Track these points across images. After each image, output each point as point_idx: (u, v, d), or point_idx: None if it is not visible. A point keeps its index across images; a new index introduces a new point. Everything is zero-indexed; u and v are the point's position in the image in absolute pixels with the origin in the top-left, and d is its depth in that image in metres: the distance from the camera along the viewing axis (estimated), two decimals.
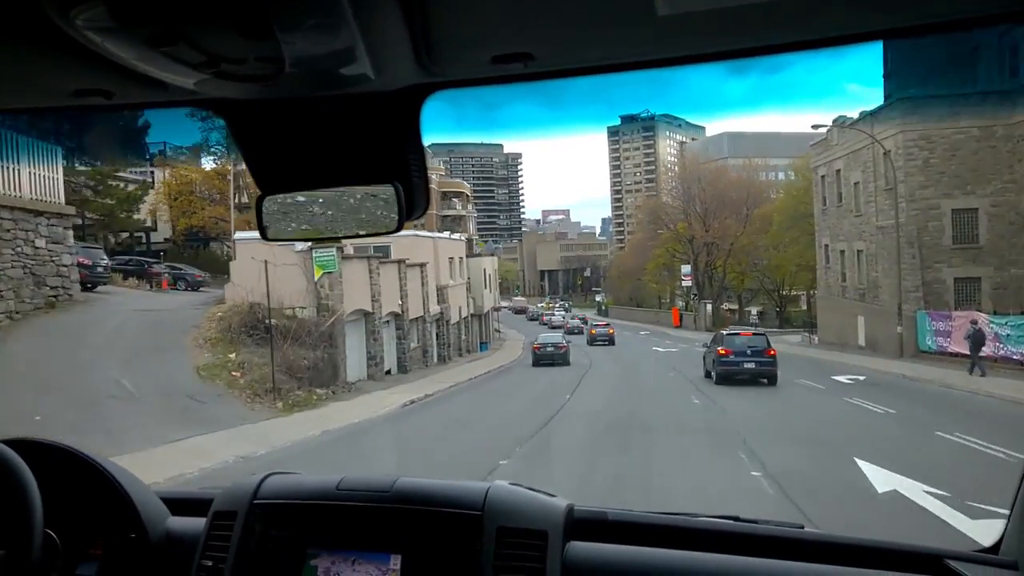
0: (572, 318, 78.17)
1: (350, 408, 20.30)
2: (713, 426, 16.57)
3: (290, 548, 1.79)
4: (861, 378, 27.26)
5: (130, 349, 18.90)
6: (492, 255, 61.07)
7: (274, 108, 1.26)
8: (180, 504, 2.08)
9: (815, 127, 38.10)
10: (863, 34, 1.09)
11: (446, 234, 46.89)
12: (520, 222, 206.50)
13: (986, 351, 27.51)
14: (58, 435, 2.09)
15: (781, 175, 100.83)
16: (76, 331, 19.15)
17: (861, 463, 11.42)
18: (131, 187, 40.77)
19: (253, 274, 24.83)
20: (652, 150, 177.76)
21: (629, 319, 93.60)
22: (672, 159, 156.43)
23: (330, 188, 1.34)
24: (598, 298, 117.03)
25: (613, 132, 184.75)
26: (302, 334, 23.20)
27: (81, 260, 24.16)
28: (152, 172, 45.89)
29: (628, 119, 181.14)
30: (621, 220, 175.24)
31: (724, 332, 28.88)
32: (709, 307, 74.06)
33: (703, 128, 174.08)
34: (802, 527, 1.97)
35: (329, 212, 1.33)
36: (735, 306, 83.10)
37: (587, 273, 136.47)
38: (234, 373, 19.59)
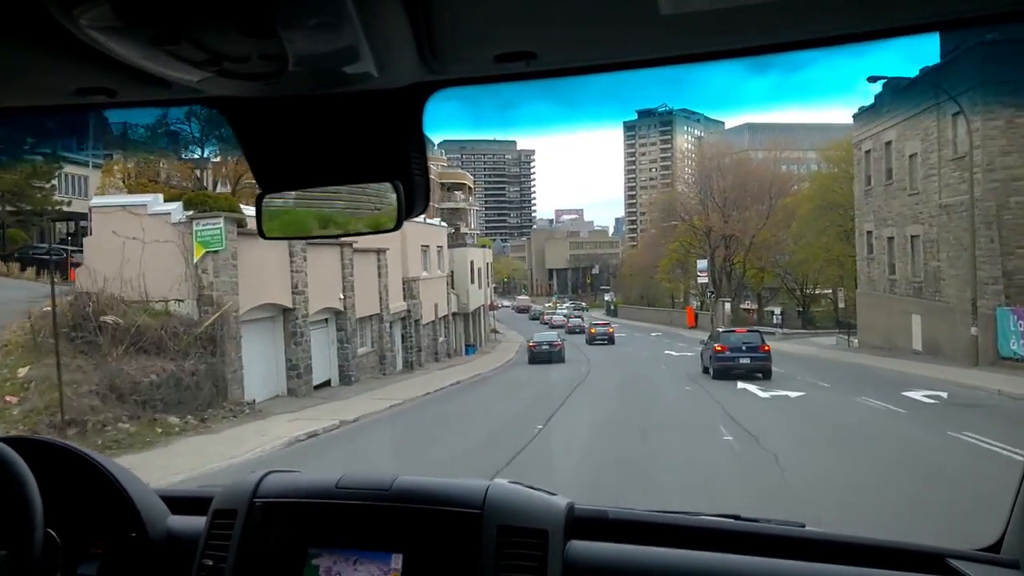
0: (573, 317, 74.95)
1: (204, 448, 13.18)
2: (774, 499, 9.22)
3: (291, 547, 1.76)
4: (943, 395, 20.15)
5: None
6: (484, 246, 53.67)
7: (276, 106, 1.23)
8: (180, 503, 2.05)
9: (871, 79, 30.43)
10: (867, 32, 1.07)
11: (420, 218, 39.50)
12: (531, 220, 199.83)
13: None
14: None
15: (805, 169, 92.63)
16: None
17: None
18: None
19: (115, 254, 17.75)
20: (669, 145, 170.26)
21: (640, 319, 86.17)
22: (690, 151, 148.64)
23: (331, 186, 1.31)
24: (607, 297, 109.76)
25: (629, 127, 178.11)
26: (162, 337, 15.99)
27: None
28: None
29: (645, 114, 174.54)
30: (635, 218, 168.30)
31: (720, 330, 29.36)
32: (727, 306, 66.45)
33: (722, 123, 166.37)
34: (803, 526, 1.93)
35: (329, 210, 1.30)
36: (753, 305, 75.26)
37: (595, 271, 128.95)
38: (8, 398, 12.44)
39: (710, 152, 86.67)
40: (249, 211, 17.78)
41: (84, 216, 33.22)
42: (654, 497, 8.82)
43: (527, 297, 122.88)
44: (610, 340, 49.74)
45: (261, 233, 1.36)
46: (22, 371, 13.30)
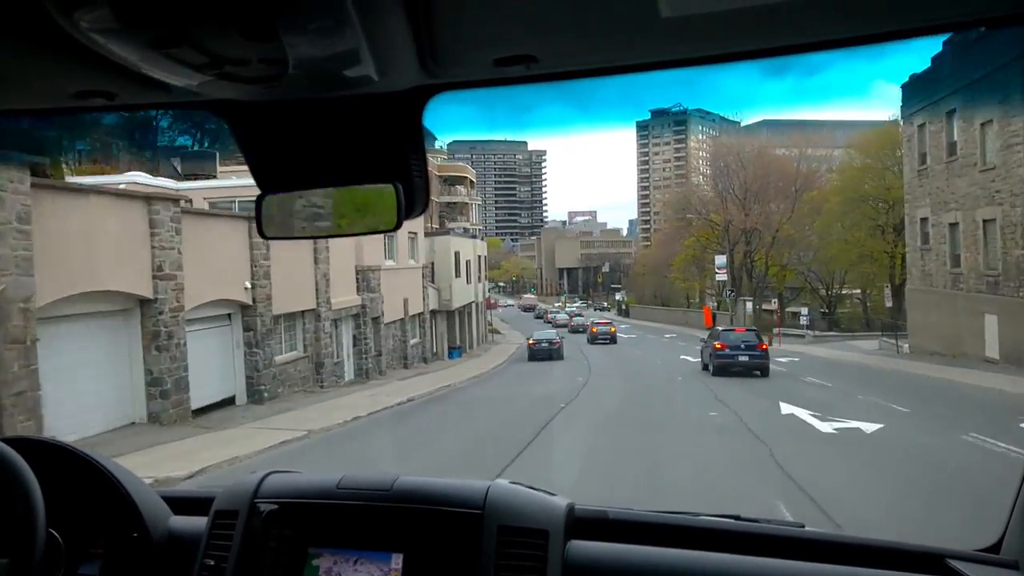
0: (576, 316, 71.98)
1: None
2: None
3: (292, 547, 1.75)
4: None
5: None
6: (474, 236, 47.04)
7: (276, 109, 1.23)
8: (182, 503, 2.02)
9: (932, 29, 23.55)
10: (869, 36, 1.06)
11: None
12: (543, 220, 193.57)
13: None
14: None
15: (827, 167, 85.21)
16: None
17: None
18: None
19: None
20: (683, 145, 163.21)
21: (653, 319, 79.20)
22: (704, 142, 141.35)
23: (331, 187, 1.30)
24: (617, 296, 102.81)
25: (642, 127, 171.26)
26: None
27: None
28: None
29: (659, 113, 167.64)
30: (648, 218, 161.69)
31: (720, 328, 29.34)
32: (748, 305, 59.45)
33: (738, 122, 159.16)
34: (803, 526, 1.91)
35: (329, 211, 1.29)
36: (773, 306, 68.15)
37: (605, 268, 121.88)
38: None
39: (728, 142, 79.60)
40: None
41: None
42: None
43: (533, 296, 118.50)
44: (612, 339, 47.35)
45: (261, 233, 1.33)
46: None
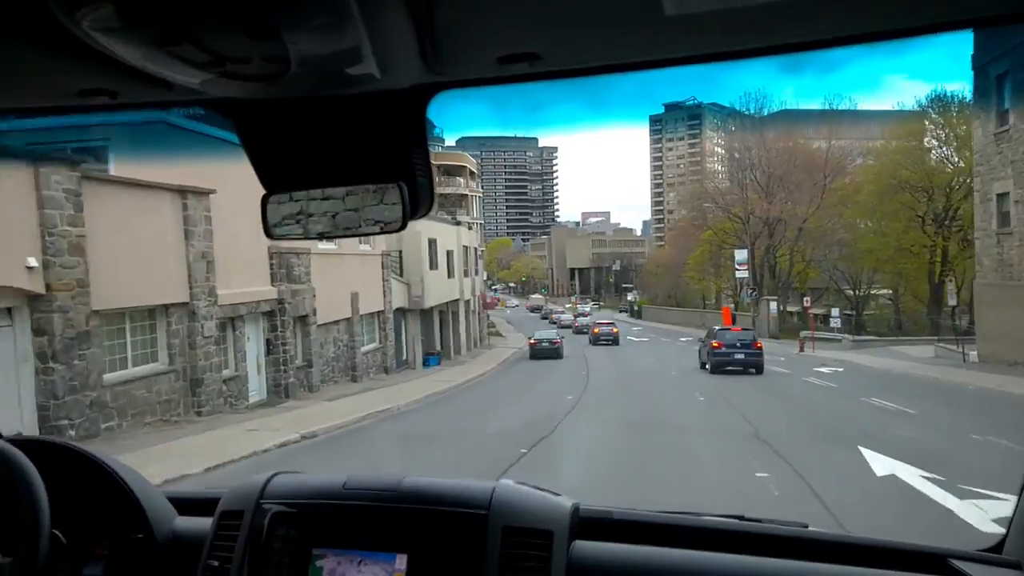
0: (580, 316, 69.88)
1: None
2: None
3: (296, 548, 1.72)
4: None
5: None
6: (460, 223, 40.37)
7: (279, 107, 1.21)
8: (187, 504, 1.98)
9: None
10: (875, 33, 1.04)
11: None
12: (554, 219, 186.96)
13: None
14: None
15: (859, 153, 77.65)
16: None
17: None
18: None
19: None
20: (697, 140, 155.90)
21: (667, 321, 72.04)
22: (720, 141, 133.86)
23: (335, 187, 1.27)
24: (629, 297, 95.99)
25: (655, 121, 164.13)
26: None
27: None
28: None
29: (672, 107, 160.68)
30: (661, 216, 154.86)
31: (716, 328, 29.14)
32: (772, 306, 52.40)
33: (755, 117, 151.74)
34: (806, 526, 1.86)
35: (334, 210, 1.27)
36: (796, 307, 60.87)
37: (615, 267, 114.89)
38: None
39: (748, 130, 72.31)
40: None
41: None
42: None
43: (541, 297, 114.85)
44: (615, 341, 45.63)
45: (267, 233, 1.30)
46: None
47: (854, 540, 1.78)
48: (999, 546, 1.78)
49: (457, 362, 35.55)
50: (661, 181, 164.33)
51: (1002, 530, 1.80)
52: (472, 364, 33.73)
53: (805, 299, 45.07)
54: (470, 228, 45.55)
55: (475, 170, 75.31)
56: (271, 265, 19.23)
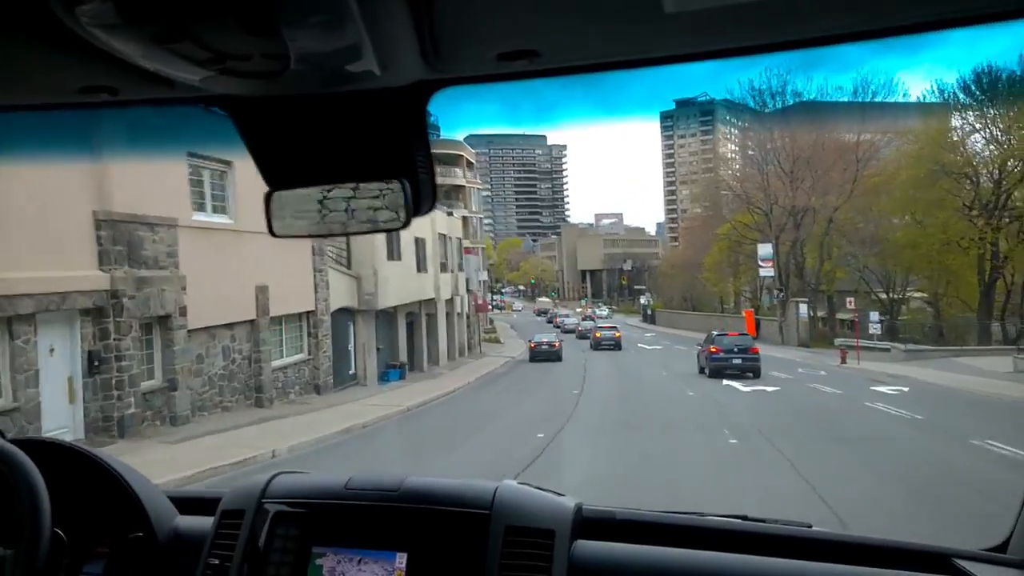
0: (584, 320, 66.43)
1: None
2: None
3: (297, 547, 1.71)
4: None
5: None
6: (447, 211, 34.28)
7: (280, 104, 1.20)
8: (188, 503, 1.97)
9: None
10: (878, 30, 1.02)
11: None
12: (565, 219, 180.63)
13: None
14: None
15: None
16: None
17: None
18: None
19: None
20: (710, 136, 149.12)
21: (682, 327, 65.21)
22: (734, 132, 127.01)
23: (337, 184, 1.26)
24: (642, 300, 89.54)
25: (667, 117, 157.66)
26: None
27: None
28: None
29: (683, 103, 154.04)
30: (675, 215, 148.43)
31: (715, 333, 29.23)
32: (803, 309, 45.66)
33: (772, 111, 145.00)
34: (810, 526, 1.83)
35: (336, 208, 1.25)
36: (821, 311, 54.10)
37: (627, 266, 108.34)
38: None
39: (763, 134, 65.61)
40: None
41: None
42: None
43: (548, 300, 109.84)
44: (616, 345, 43.38)
45: (270, 230, 1.28)
46: None
47: (858, 540, 1.76)
48: (1004, 545, 1.76)
49: (432, 374, 29.25)
50: (674, 179, 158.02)
51: (1006, 529, 1.75)
52: (446, 378, 27.42)
53: (849, 300, 38.35)
54: (450, 214, 39.11)
55: (472, 160, 68.89)
56: (99, 239, 12.92)
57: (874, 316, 43.87)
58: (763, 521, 1.82)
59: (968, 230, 44.07)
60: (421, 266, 29.22)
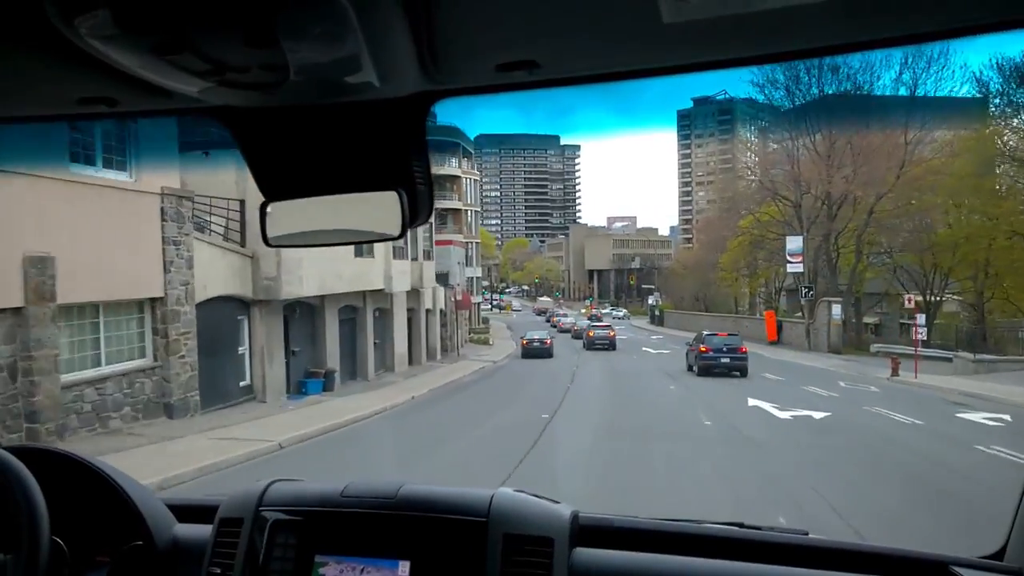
0: (581, 319, 65.89)
1: None
2: None
3: (297, 555, 1.69)
4: None
5: None
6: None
7: (278, 115, 1.20)
8: (186, 511, 1.94)
9: None
10: (878, 40, 1.03)
11: None
12: (576, 220, 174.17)
13: None
14: None
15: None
16: None
17: None
18: None
19: None
20: (728, 135, 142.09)
21: (693, 329, 58.10)
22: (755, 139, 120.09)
23: (334, 194, 1.26)
24: (650, 300, 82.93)
25: (684, 117, 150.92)
26: None
27: None
28: None
29: (701, 101, 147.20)
30: (690, 217, 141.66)
31: (704, 332, 28.99)
32: (836, 310, 38.83)
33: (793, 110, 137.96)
34: (806, 533, 1.80)
35: (333, 218, 1.26)
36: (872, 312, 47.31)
37: (635, 264, 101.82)
38: None
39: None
40: None
41: None
42: None
43: (549, 300, 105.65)
44: (611, 345, 41.11)
45: (265, 241, 1.28)
46: None
47: (855, 547, 1.75)
48: (1000, 553, 1.75)
49: (377, 384, 22.82)
50: (690, 180, 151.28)
51: (1002, 537, 1.74)
52: (389, 390, 20.94)
53: (907, 298, 31.48)
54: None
55: (470, 148, 62.52)
56: None
57: (921, 319, 36.95)
58: (759, 529, 1.80)
59: None
60: (363, 250, 22.71)
